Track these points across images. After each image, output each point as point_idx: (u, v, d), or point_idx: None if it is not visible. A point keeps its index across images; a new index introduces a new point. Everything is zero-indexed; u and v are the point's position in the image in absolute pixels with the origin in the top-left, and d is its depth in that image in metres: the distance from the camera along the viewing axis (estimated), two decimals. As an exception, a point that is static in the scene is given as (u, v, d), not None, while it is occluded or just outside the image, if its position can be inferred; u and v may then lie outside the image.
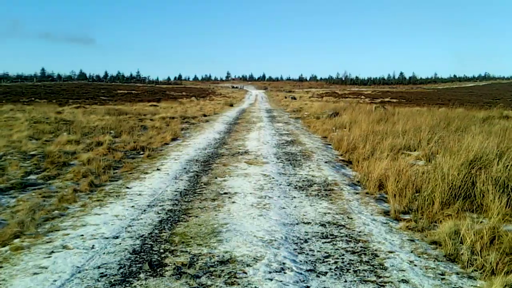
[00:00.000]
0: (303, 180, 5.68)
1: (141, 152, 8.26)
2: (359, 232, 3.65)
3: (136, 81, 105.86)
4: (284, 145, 8.94)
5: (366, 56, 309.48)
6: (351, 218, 4.03)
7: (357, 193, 5.06)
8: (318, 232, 3.65)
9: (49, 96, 35.21)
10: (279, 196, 4.83)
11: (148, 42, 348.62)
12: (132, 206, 4.52)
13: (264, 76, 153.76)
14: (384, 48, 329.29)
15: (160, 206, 4.53)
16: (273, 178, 5.77)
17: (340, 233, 3.63)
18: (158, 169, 6.48)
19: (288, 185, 5.40)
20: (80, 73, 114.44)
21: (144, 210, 4.37)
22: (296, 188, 5.27)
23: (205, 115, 18.23)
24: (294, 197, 4.82)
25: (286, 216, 4.11)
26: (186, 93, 49.28)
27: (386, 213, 4.30)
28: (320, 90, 74.43)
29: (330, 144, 9.41)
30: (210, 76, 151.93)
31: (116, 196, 4.97)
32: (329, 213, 4.22)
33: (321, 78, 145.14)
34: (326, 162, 7.01)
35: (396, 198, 4.78)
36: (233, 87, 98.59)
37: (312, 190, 5.15)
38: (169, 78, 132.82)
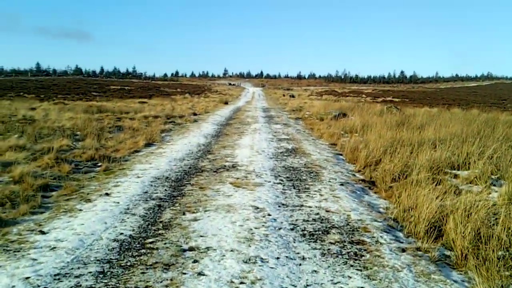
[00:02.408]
0: (314, 220, 3.78)
1: (99, 164, 6.34)
2: None
3: (132, 77, 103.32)
4: (284, 156, 7.03)
5: (366, 54, 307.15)
6: (415, 325, 2.14)
7: (403, 250, 3.17)
8: None
9: (39, 91, 33.15)
10: (278, 258, 2.93)
11: (145, 39, 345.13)
12: (27, 278, 2.62)
13: (261, 73, 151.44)
14: (384, 46, 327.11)
15: (75, 278, 2.64)
16: (269, 215, 3.86)
17: None
18: (107, 194, 4.58)
19: (292, 230, 3.50)
20: (76, 68, 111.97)
21: (42, 289, 2.48)
22: (304, 236, 3.38)
23: (195, 114, 16.28)
24: (304, 259, 2.93)
25: (292, 316, 2.21)
26: (181, 90, 47.24)
27: (467, 301, 2.43)
28: (319, 88, 72.48)
29: (341, 155, 7.51)
30: (207, 73, 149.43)
31: (15, 250, 3.07)
32: (369, 305, 2.33)
33: (319, 76, 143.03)
34: (341, 184, 5.12)
35: (470, 261, 2.93)
36: (230, 84, 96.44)
37: (331, 242, 3.25)
38: (165, 75, 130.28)
